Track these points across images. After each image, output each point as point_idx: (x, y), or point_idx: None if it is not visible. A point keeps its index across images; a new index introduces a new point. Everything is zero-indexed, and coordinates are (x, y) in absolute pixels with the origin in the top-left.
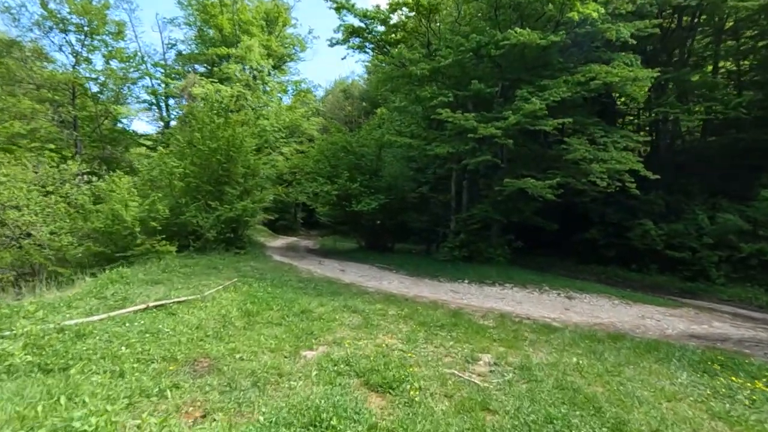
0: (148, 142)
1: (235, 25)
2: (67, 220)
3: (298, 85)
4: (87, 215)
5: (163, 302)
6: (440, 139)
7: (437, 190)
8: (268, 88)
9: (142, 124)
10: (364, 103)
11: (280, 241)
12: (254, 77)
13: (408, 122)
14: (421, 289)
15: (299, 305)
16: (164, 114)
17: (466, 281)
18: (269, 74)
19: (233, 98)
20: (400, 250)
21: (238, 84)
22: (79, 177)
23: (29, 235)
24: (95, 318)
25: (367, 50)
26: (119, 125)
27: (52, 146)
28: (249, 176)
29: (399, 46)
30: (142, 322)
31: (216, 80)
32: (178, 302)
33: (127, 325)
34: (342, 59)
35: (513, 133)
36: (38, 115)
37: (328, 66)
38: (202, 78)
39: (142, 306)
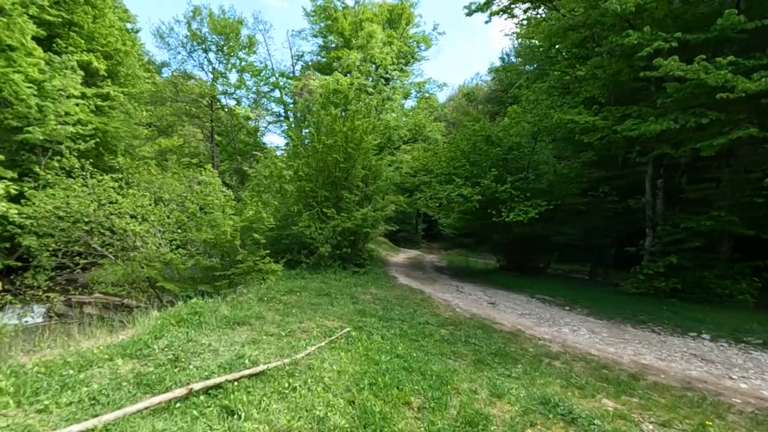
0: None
1: (356, 26)
2: (179, 231)
3: (422, 86)
4: (199, 225)
5: (221, 380)
6: (640, 115)
7: (611, 192)
8: (392, 88)
9: (275, 137)
10: (489, 106)
11: (402, 256)
12: (375, 68)
13: (581, 96)
14: (636, 347)
15: (459, 396)
16: (292, 125)
17: (706, 337)
18: (393, 63)
19: (353, 87)
20: (553, 273)
21: (358, 76)
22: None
23: (137, 246)
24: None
25: (516, 12)
26: (256, 139)
27: (196, 161)
28: (369, 180)
29: None
30: None
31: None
32: (251, 376)
33: None
34: (485, 23)
35: None
36: (181, 130)
37: (453, 64)
38: (323, 77)
39: (182, 391)
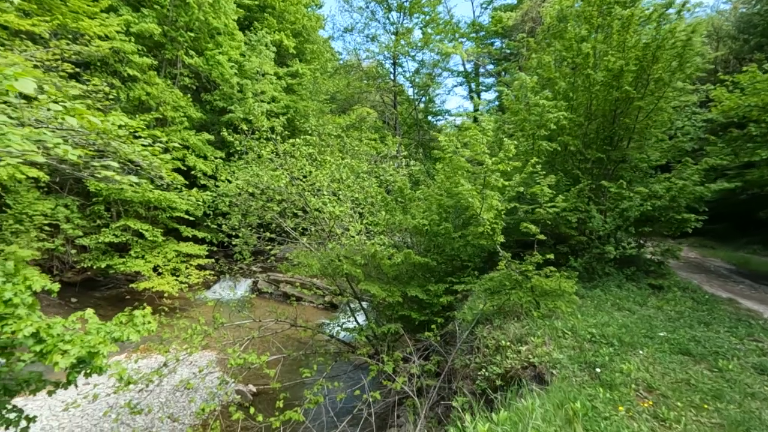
0: (460, 119)
1: None
2: (382, 213)
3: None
4: (406, 205)
5: None
6: None
7: None
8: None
9: (459, 101)
10: (741, 41)
11: None
12: None
13: None
14: None
15: None
16: (473, 88)
17: None
18: None
19: None
20: None
21: None
22: (398, 160)
23: (334, 233)
24: None
25: None
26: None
27: (376, 135)
28: (653, 127)
29: None
30: None
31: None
32: None
33: None
34: None
35: None
36: (359, 107)
37: None
38: None
39: None
